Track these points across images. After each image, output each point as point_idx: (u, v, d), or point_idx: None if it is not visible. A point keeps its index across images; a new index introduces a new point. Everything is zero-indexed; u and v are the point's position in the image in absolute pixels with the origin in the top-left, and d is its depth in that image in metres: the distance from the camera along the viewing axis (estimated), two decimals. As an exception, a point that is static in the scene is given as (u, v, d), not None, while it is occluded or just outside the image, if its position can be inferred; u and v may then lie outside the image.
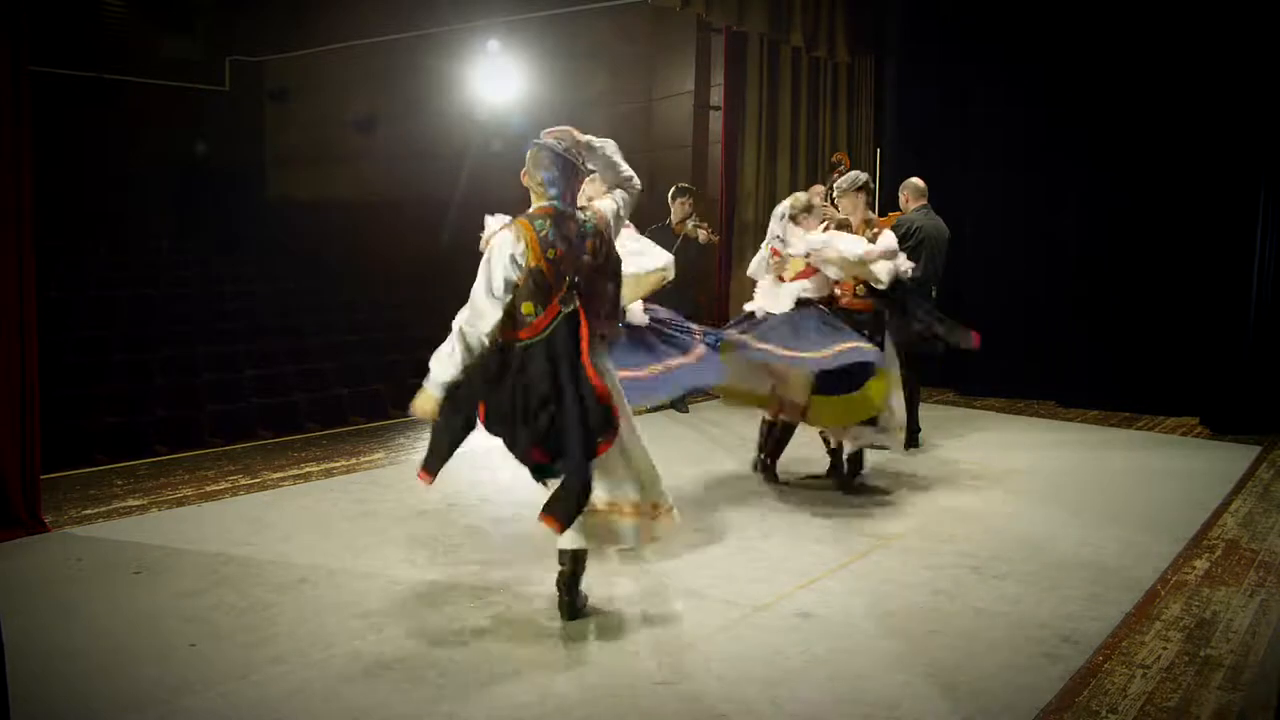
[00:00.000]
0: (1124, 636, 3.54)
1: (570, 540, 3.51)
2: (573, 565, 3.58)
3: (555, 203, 3.45)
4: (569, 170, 3.47)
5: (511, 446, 3.47)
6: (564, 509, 3.32)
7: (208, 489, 5.29)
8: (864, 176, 5.34)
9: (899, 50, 9.10)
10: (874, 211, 5.66)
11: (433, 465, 3.43)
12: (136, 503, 5.00)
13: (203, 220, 12.43)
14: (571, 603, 3.58)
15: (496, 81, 9.97)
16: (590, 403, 3.33)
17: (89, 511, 4.82)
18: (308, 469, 5.77)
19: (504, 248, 3.35)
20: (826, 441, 5.52)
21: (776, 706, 2.97)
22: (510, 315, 3.39)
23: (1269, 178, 7.01)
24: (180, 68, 12.99)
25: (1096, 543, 4.56)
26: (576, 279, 3.39)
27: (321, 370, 8.62)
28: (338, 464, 5.91)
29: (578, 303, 3.38)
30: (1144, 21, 7.66)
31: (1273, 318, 7.09)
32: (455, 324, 3.41)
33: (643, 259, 4.51)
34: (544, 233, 3.37)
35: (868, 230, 5.23)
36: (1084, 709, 3.01)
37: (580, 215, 3.49)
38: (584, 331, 3.36)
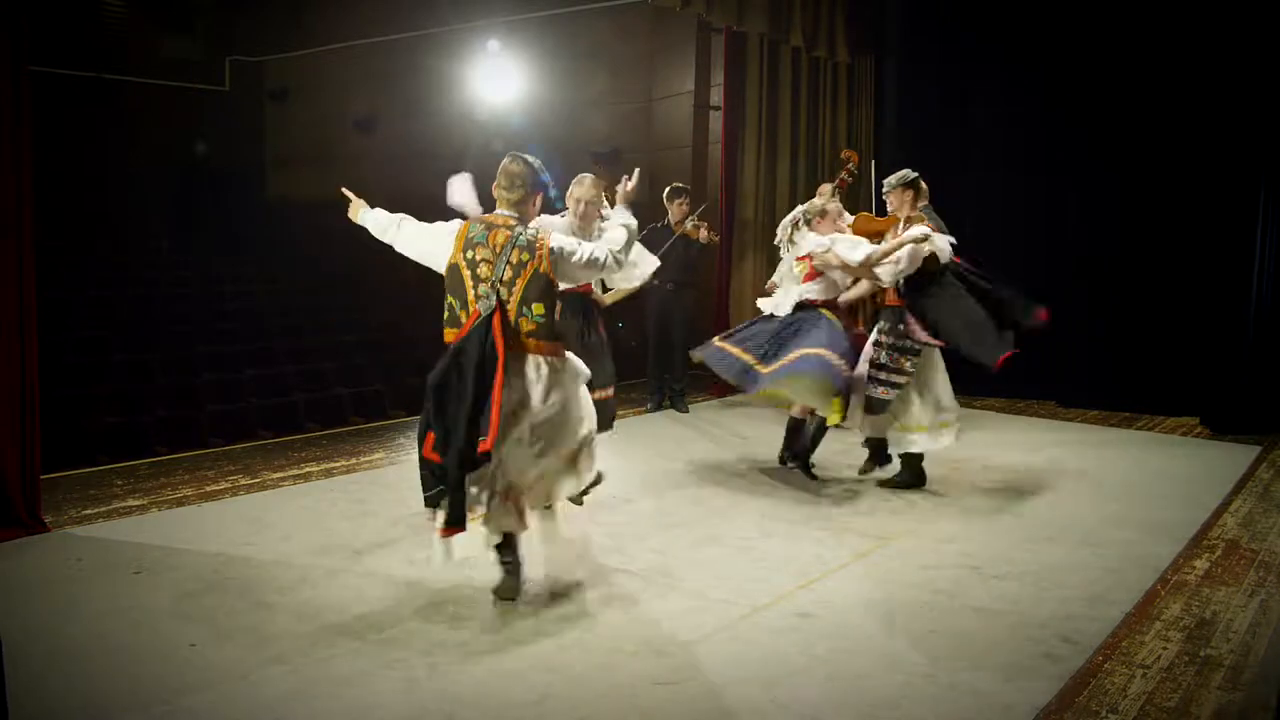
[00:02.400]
0: (1124, 636, 3.54)
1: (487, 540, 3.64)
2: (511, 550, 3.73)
3: (502, 211, 3.69)
4: (529, 186, 3.68)
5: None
6: (453, 514, 3.44)
7: (208, 489, 5.29)
8: (913, 174, 5.37)
9: (899, 50, 9.09)
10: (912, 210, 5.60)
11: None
12: (136, 503, 5.00)
13: (203, 220, 12.40)
14: (516, 585, 3.74)
15: (496, 81, 9.97)
16: (481, 406, 3.40)
17: (89, 511, 4.82)
18: (308, 469, 5.77)
19: (444, 225, 3.70)
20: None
21: (777, 706, 2.97)
22: (449, 312, 3.61)
23: (1269, 178, 7.01)
24: (180, 68, 12.97)
25: (1096, 543, 4.56)
26: (496, 285, 3.52)
27: (321, 370, 8.61)
28: (338, 464, 5.91)
29: (495, 307, 3.48)
30: (1144, 21, 7.65)
31: (1273, 318, 7.09)
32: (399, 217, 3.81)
33: (634, 271, 4.68)
34: (473, 234, 3.61)
35: (897, 228, 5.26)
36: (1084, 709, 3.01)
37: (517, 228, 3.61)
38: (498, 336, 3.44)
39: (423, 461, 3.54)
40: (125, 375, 7.72)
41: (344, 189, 4.02)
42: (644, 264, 5.00)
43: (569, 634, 3.47)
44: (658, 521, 4.78)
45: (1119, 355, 7.92)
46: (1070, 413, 7.90)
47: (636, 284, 5.09)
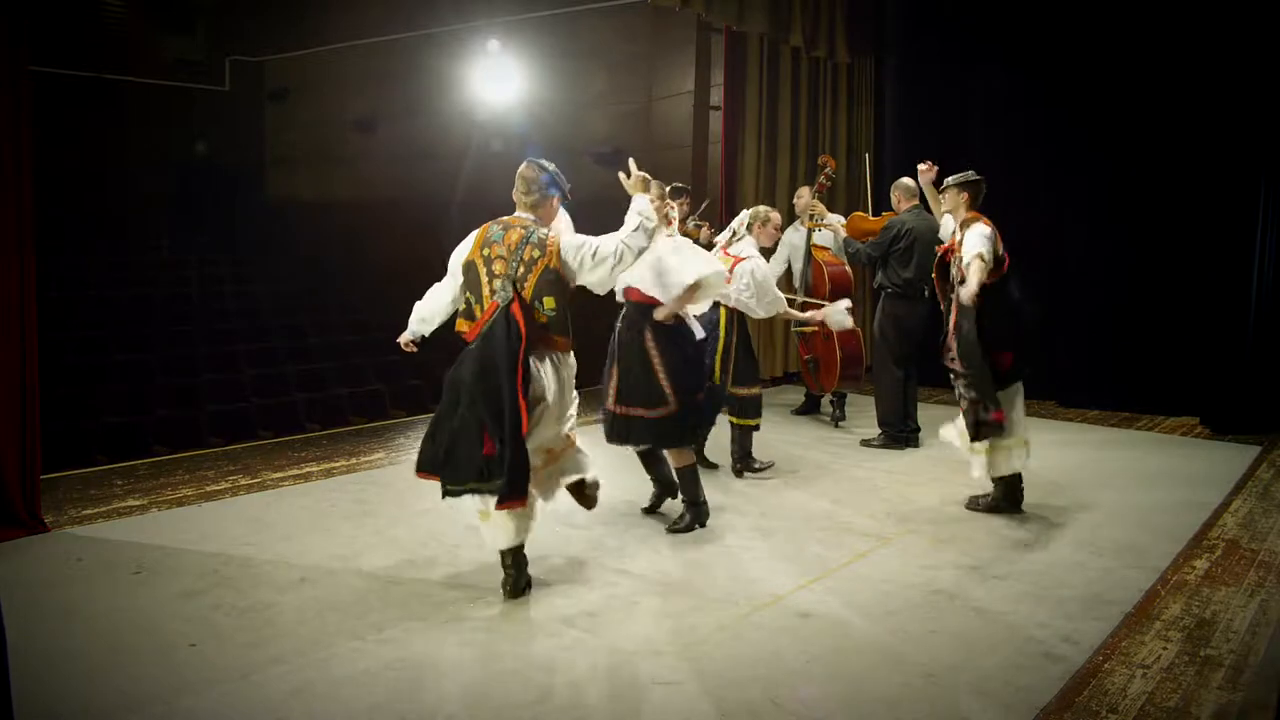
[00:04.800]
0: (1124, 636, 3.54)
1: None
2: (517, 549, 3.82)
3: (520, 214, 3.83)
4: (544, 189, 3.82)
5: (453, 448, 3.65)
6: (515, 487, 3.57)
7: (208, 489, 5.29)
8: (972, 174, 5.24)
9: (899, 50, 9.09)
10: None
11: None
12: (136, 503, 5.00)
13: (203, 220, 12.43)
14: (517, 581, 3.80)
15: (496, 81, 9.97)
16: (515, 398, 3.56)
17: (89, 511, 4.82)
18: (308, 469, 5.77)
19: (461, 249, 3.84)
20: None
21: (776, 706, 2.97)
22: (466, 307, 3.78)
23: (1269, 178, 7.00)
24: (180, 68, 12.99)
25: (1096, 543, 4.56)
26: (511, 279, 3.66)
27: (321, 370, 8.62)
28: (338, 464, 5.91)
29: (514, 300, 3.63)
30: (1144, 21, 7.65)
31: (1273, 318, 7.08)
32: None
33: (699, 263, 4.55)
34: (491, 234, 3.77)
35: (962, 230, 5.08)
36: (1084, 709, 3.01)
37: (530, 226, 3.76)
38: (521, 328, 3.60)
39: (462, 455, 3.61)
40: (125, 375, 7.73)
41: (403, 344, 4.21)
42: (684, 274, 4.44)
43: (569, 634, 3.47)
44: (658, 522, 4.78)
45: (1119, 355, 7.91)
46: (1070, 413, 7.89)
47: (705, 278, 4.49)
